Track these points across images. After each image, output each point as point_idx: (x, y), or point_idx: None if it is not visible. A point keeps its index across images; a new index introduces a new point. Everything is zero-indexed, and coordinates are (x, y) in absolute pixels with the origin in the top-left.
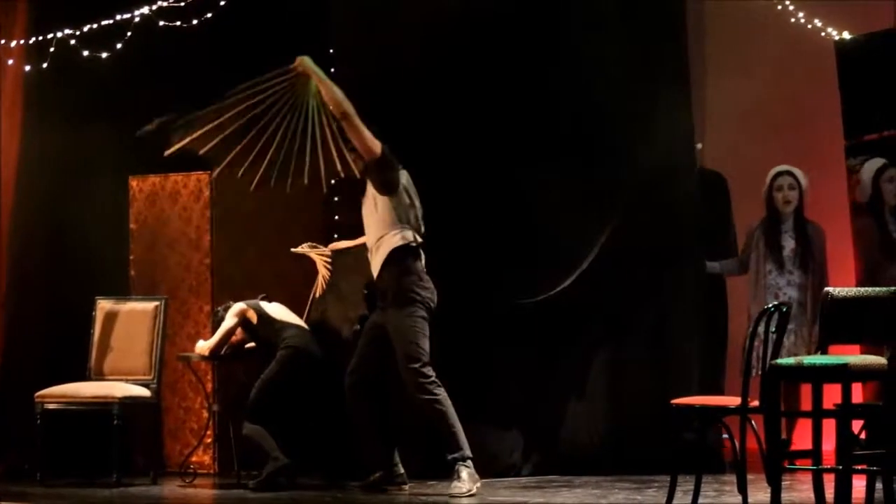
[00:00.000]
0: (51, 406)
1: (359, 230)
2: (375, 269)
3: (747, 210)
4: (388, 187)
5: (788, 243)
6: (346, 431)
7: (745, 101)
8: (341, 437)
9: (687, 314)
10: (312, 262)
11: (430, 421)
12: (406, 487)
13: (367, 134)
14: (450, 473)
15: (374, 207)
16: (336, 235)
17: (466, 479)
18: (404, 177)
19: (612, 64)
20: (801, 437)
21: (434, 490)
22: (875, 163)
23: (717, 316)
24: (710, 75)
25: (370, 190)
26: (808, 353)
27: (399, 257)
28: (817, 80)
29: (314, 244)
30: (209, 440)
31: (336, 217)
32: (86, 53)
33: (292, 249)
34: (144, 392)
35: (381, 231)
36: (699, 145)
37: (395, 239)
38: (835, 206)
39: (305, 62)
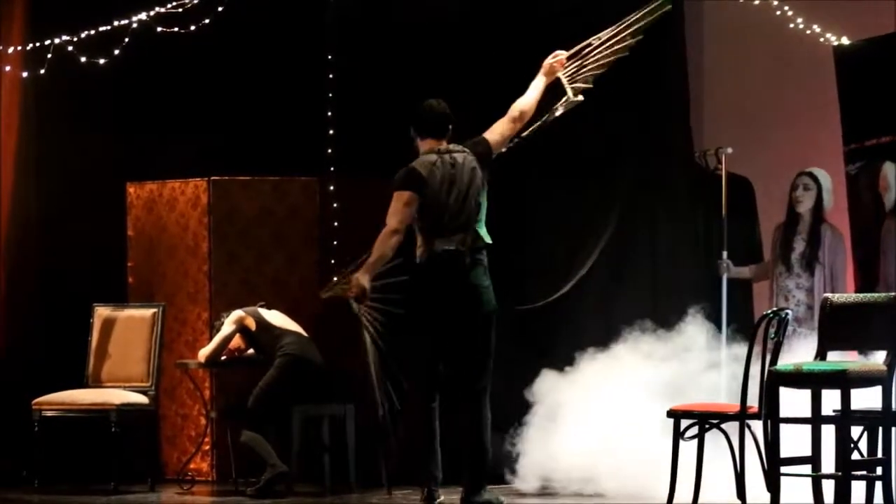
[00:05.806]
0: (48, 413)
1: (355, 238)
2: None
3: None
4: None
5: (799, 245)
6: (343, 439)
7: (744, 106)
8: (339, 444)
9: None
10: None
11: (480, 435)
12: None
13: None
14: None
15: (484, 198)
16: (336, 242)
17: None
18: None
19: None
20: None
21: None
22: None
23: (743, 320)
24: (708, 81)
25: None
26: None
27: None
28: (816, 85)
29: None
30: (207, 447)
31: (335, 223)
32: (83, 59)
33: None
34: (142, 399)
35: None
36: (729, 150)
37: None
38: (834, 210)
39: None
